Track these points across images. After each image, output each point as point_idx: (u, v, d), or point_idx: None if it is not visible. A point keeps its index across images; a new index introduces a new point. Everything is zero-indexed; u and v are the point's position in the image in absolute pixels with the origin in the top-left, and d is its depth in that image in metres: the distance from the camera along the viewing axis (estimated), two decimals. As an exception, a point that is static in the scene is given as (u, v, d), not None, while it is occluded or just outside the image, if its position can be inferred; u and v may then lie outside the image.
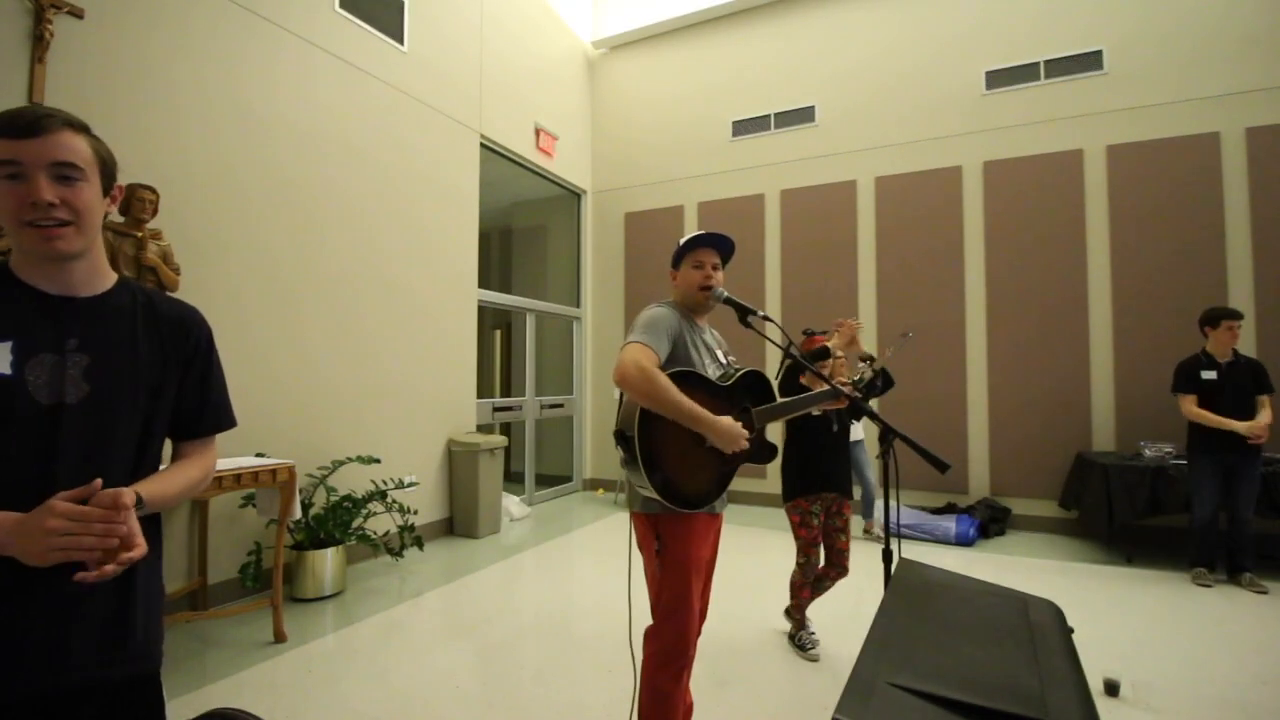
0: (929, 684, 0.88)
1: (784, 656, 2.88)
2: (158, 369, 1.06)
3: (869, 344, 5.68)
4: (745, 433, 1.71)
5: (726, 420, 1.69)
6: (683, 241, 1.94)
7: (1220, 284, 4.80)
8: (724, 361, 1.99)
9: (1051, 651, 1.02)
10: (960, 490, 5.49)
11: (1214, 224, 4.84)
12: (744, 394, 1.89)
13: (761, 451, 1.89)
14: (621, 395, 1.78)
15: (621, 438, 1.68)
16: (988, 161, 5.57)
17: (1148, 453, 4.54)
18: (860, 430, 4.94)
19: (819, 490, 2.89)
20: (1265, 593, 3.67)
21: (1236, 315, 3.89)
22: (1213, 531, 3.91)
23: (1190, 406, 3.92)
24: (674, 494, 1.68)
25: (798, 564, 2.92)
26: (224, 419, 1.21)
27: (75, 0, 2.94)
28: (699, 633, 1.86)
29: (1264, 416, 3.74)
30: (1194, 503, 3.93)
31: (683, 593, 1.76)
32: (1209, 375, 3.88)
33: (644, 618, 1.88)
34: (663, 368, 1.70)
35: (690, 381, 1.73)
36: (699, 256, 1.92)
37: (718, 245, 1.96)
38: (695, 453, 1.72)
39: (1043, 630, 1.09)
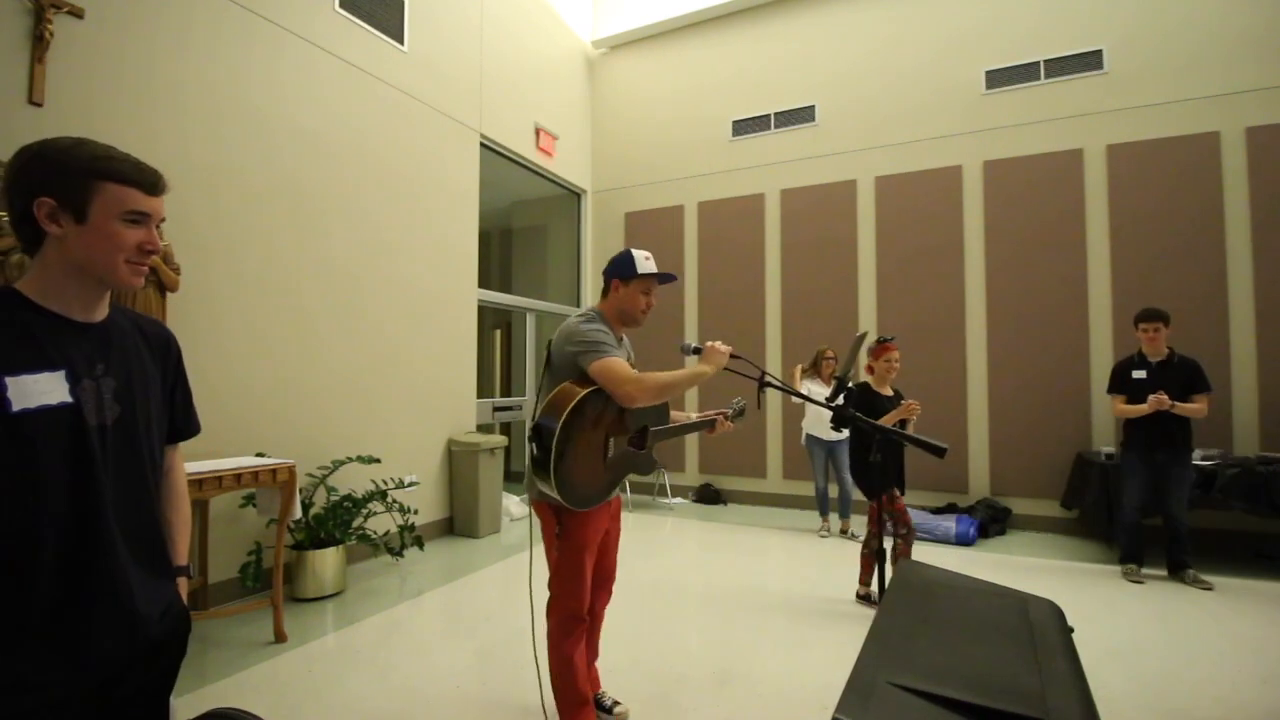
0: (929, 684, 0.88)
1: (784, 656, 2.88)
2: (158, 385, 1.17)
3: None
4: (727, 350, 2.02)
5: (702, 368, 2.01)
6: (642, 270, 2.07)
7: (1220, 283, 4.80)
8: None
9: (1051, 651, 1.02)
10: (960, 490, 5.49)
11: (1214, 224, 4.84)
12: (645, 415, 2.07)
13: (647, 464, 2.12)
14: (538, 401, 1.96)
15: (540, 438, 1.84)
16: (988, 161, 5.57)
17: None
18: (842, 432, 5.11)
19: (885, 490, 3.40)
20: (1210, 589, 3.69)
21: (1151, 318, 3.90)
22: (1137, 527, 3.97)
23: (1117, 405, 3.99)
24: (574, 497, 1.87)
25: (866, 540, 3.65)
26: (196, 425, 1.33)
27: (75, 0, 2.94)
28: (607, 600, 2.29)
29: (1189, 405, 3.75)
30: (1123, 498, 3.99)
31: (579, 570, 2.03)
32: (1139, 375, 3.93)
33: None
34: (568, 376, 1.94)
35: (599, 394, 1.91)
36: (649, 285, 2.11)
37: (665, 282, 2.19)
38: (596, 464, 1.92)
39: (1043, 630, 1.10)
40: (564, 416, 1.79)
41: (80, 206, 0.98)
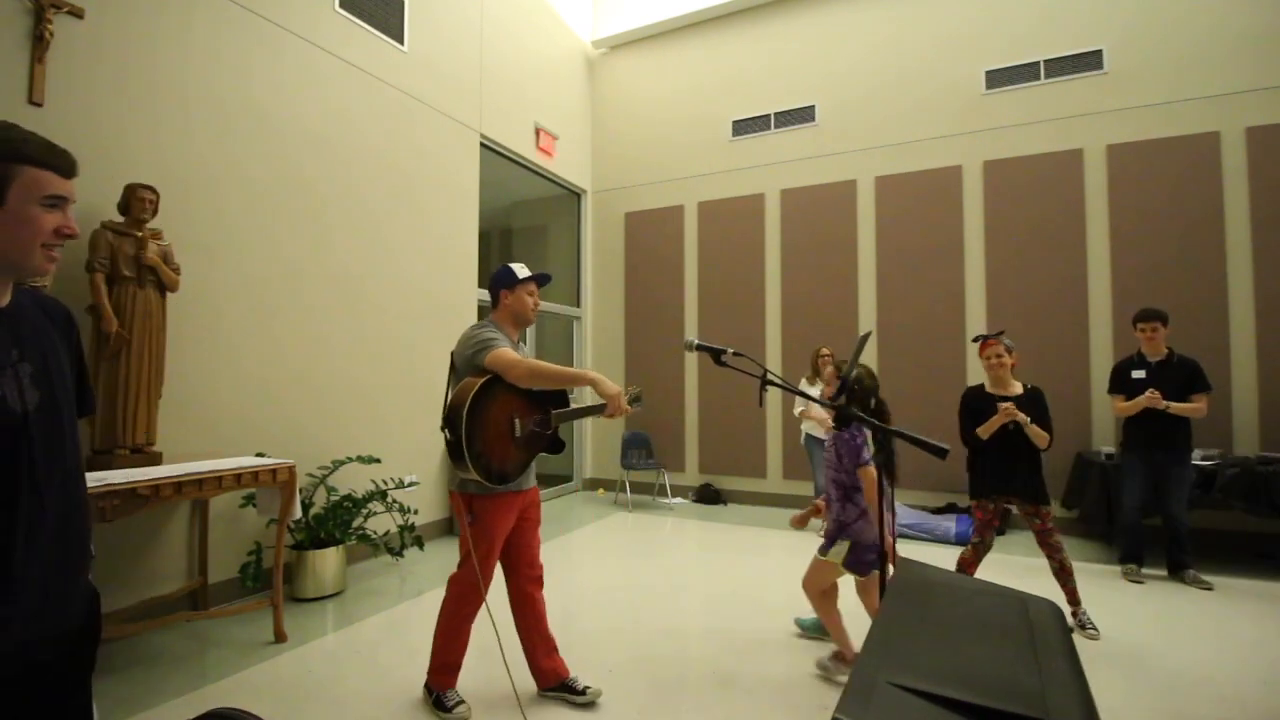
0: (929, 684, 0.88)
1: (784, 656, 2.88)
2: (68, 363, 1.15)
3: (871, 345, 5.68)
4: (619, 389, 2.25)
5: (591, 373, 2.28)
6: (522, 276, 2.43)
7: (1220, 283, 4.80)
8: None
9: (1051, 651, 1.02)
10: (960, 490, 5.47)
11: (1214, 224, 4.84)
12: (549, 400, 2.38)
13: (555, 445, 2.41)
14: (448, 391, 2.24)
15: (450, 427, 2.09)
16: (987, 161, 5.57)
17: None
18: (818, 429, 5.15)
19: (985, 495, 3.24)
20: (1210, 589, 3.69)
21: (1149, 318, 3.88)
22: (1137, 527, 3.96)
23: (1117, 405, 3.98)
24: (490, 473, 2.14)
25: (971, 543, 3.30)
26: (92, 403, 1.30)
27: (75, 0, 2.94)
28: (540, 588, 2.51)
29: (1186, 405, 3.74)
30: (1123, 498, 3.98)
31: (487, 552, 2.29)
32: (1138, 375, 3.92)
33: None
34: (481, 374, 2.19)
35: (509, 388, 2.22)
36: (532, 288, 2.48)
37: (544, 283, 2.58)
38: (505, 443, 2.21)
39: (1043, 630, 1.09)
40: (468, 403, 2.08)
41: None
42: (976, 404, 3.25)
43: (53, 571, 1.06)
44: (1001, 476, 3.17)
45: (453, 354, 2.33)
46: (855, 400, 2.55)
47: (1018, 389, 3.22)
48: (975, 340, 3.42)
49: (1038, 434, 3.07)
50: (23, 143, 0.98)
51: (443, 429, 2.13)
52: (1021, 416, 3.07)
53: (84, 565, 1.16)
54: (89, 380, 1.26)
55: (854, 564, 2.61)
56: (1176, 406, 3.73)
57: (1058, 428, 5.50)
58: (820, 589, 2.75)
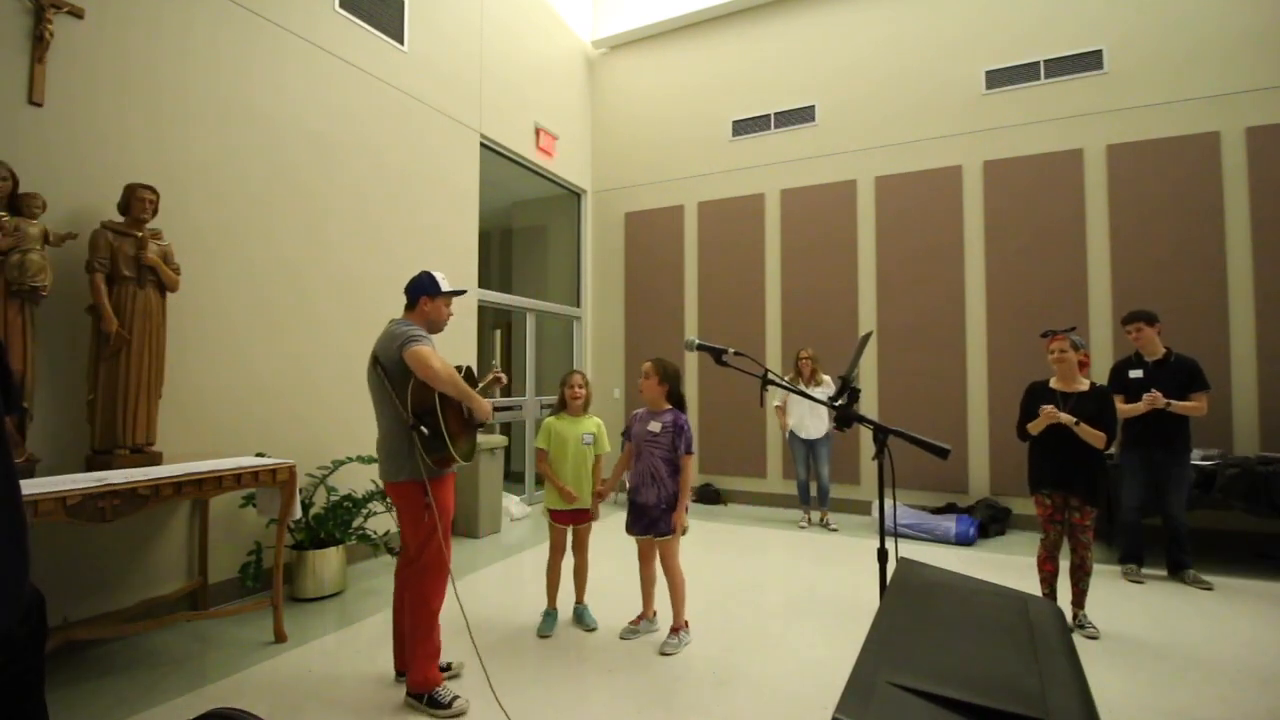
0: (929, 684, 0.88)
1: (784, 656, 2.88)
2: None
3: (872, 341, 5.69)
4: (490, 409, 2.49)
5: (480, 409, 2.47)
6: (446, 288, 2.61)
7: (1220, 283, 4.80)
8: None
9: (1051, 651, 1.02)
10: (960, 490, 5.49)
11: (1214, 224, 4.84)
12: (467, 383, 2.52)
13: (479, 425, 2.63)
14: (410, 391, 2.34)
15: (425, 423, 2.29)
16: (988, 161, 5.57)
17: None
18: (817, 428, 5.30)
19: (1040, 488, 3.20)
20: (1210, 589, 3.69)
21: (1131, 319, 3.91)
22: (1137, 527, 3.95)
23: (1118, 405, 3.95)
24: (468, 455, 2.42)
25: (1040, 540, 3.27)
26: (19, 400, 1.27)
27: (75, 0, 2.94)
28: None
29: (1187, 403, 3.73)
30: (1122, 498, 3.97)
31: (446, 531, 2.44)
32: (1136, 374, 3.93)
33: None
34: (405, 376, 2.35)
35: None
36: (450, 300, 2.66)
37: (459, 295, 2.78)
38: (466, 427, 2.47)
39: (1043, 630, 1.10)
40: (437, 398, 2.29)
41: None
42: (1034, 399, 3.23)
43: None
44: (1055, 471, 3.12)
45: (376, 357, 2.44)
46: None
47: (1084, 386, 3.17)
48: (1043, 335, 3.36)
49: (1089, 434, 3.00)
50: None
51: (416, 428, 2.30)
52: (1066, 418, 3.03)
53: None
54: (11, 377, 1.22)
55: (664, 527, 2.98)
56: (1176, 405, 3.73)
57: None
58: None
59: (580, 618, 3.24)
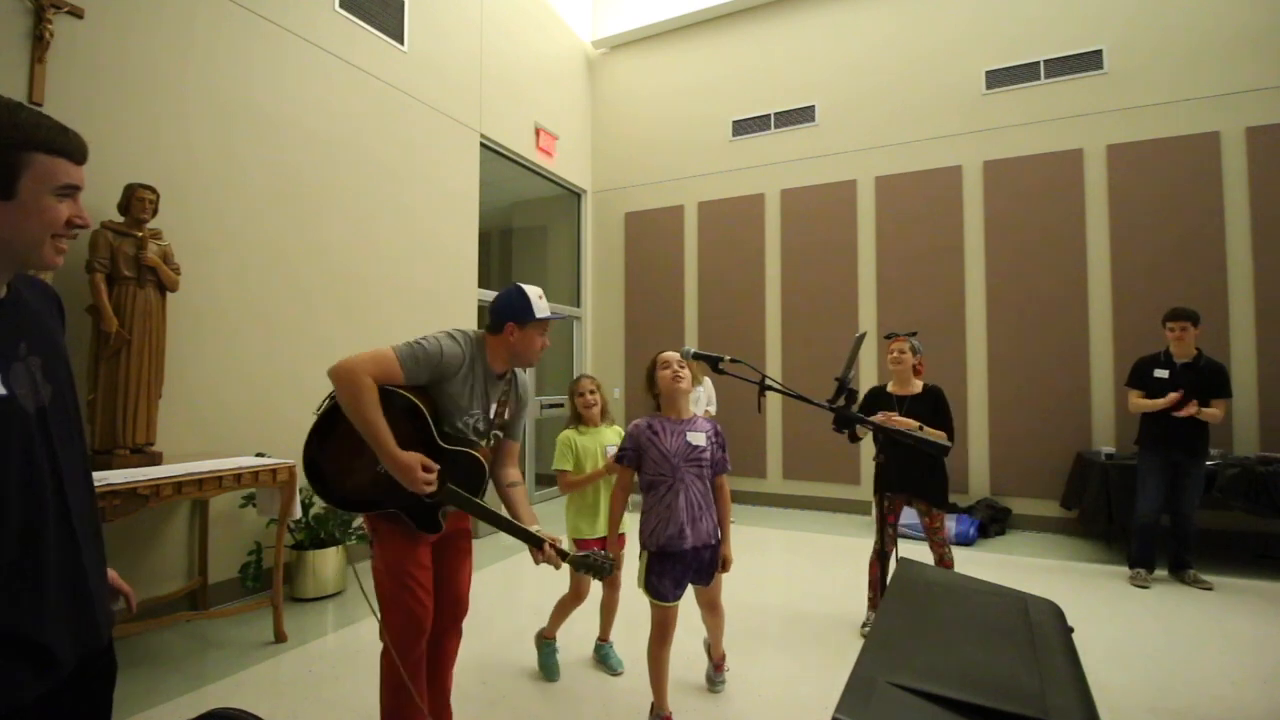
0: (929, 684, 0.88)
1: (783, 656, 2.88)
2: (67, 349, 1.07)
3: (871, 340, 5.69)
4: (428, 478, 1.69)
5: (408, 457, 1.68)
6: (539, 314, 1.94)
7: (1220, 284, 4.80)
8: (491, 416, 1.98)
9: (1051, 651, 1.02)
10: (960, 490, 5.49)
11: (1214, 224, 4.84)
12: (458, 467, 1.81)
13: (430, 517, 1.82)
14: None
15: (312, 441, 1.80)
16: (988, 161, 5.57)
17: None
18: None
19: (880, 490, 3.01)
20: (1210, 589, 3.69)
21: (1179, 317, 3.82)
22: (1153, 530, 3.89)
23: (1134, 399, 3.95)
24: (328, 490, 1.79)
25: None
26: None
27: (75, 0, 2.94)
28: (457, 626, 2.02)
29: (1207, 409, 3.69)
30: (1138, 499, 3.92)
31: (393, 591, 1.80)
32: (1161, 374, 3.86)
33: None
34: (401, 389, 1.76)
35: (413, 416, 1.77)
36: (545, 327, 1.99)
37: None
38: (349, 468, 1.79)
39: (1043, 630, 1.10)
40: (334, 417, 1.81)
41: (8, 181, 0.88)
42: (871, 403, 3.24)
43: (98, 579, 1.00)
44: (899, 473, 3.03)
45: None
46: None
47: (917, 388, 3.18)
48: (886, 338, 3.37)
49: (932, 434, 2.90)
50: (34, 127, 0.90)
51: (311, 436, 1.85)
52: (909, 423, 2.95)
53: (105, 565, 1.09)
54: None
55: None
56: (1205, 413, 3.66)
57: (1058, 427, 5.50)
58: None
59: (605, 659, 2.79)
